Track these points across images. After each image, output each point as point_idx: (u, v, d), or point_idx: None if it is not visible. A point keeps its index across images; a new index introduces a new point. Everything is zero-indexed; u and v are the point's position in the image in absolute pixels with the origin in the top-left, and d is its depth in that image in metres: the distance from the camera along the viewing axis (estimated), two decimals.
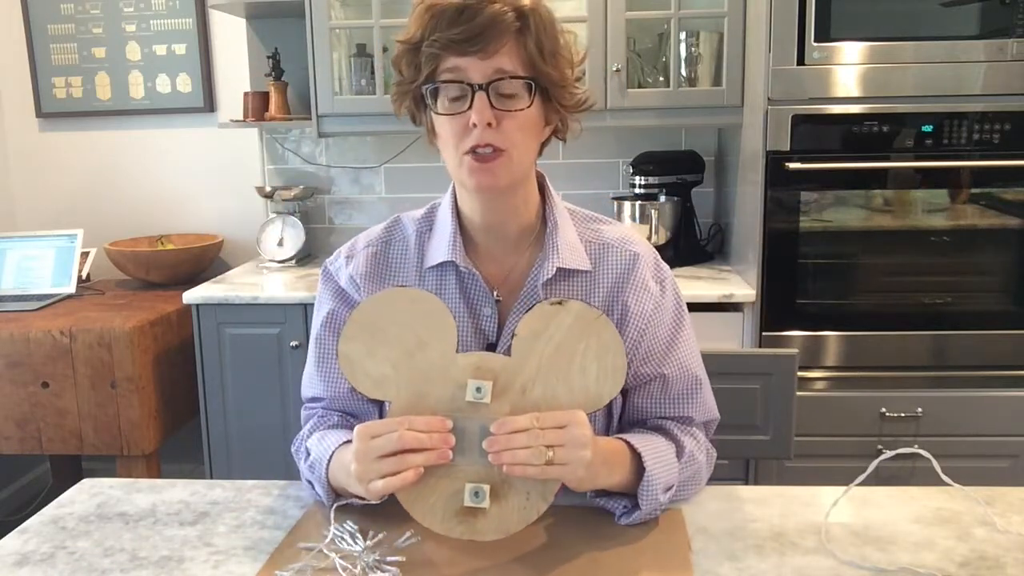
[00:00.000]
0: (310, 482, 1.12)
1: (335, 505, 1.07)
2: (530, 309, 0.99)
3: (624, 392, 1.18)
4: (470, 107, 1.02)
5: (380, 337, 0.99)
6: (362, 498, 1.05)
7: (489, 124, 1.02)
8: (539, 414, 0.95)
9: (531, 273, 1.13)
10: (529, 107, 1.04)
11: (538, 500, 0.96)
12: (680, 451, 1.11)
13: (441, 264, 1.14)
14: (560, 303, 0.98)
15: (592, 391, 0.98)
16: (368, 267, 1.18)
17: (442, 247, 1.14)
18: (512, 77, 1.03)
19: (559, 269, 1.12)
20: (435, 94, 1.05)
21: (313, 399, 1.22)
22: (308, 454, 1.13)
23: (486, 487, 0.95)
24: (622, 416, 1.20)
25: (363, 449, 0.95)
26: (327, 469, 1.08)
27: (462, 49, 1.01)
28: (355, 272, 1.18)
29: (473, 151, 1.04)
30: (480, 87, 1.02)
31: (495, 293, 1.14)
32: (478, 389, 0.96)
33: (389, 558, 0.96)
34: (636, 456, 1.06)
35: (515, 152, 1.05)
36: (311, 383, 1.21)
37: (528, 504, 0.96)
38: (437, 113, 1.06)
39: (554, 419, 0.95)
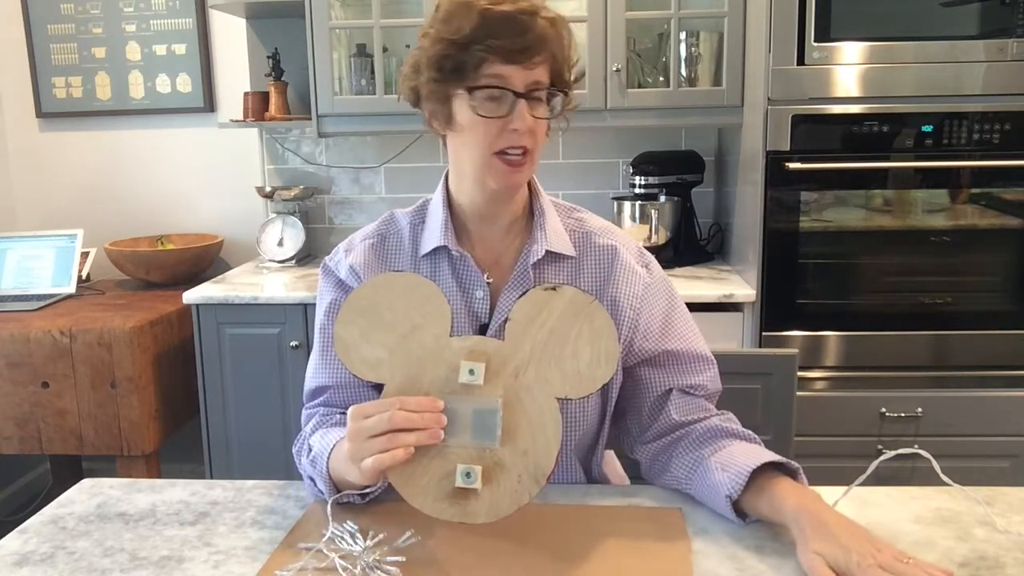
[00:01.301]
0: (312, 479, 1.13)
1: (335, 499, 1.07)
2: (524, 294, 1.01)
3: (631, 370, 1.22)
4: (508, 113, 1.08)
5: (376, 321, 1.00)
6: (362, 490, 1.06)
7: (530, 128, 1.09)
8: None
9: (521, 256, 1.19)
10: (559, 113, 1.12)
11: (530, 483, 0.96)
12: (749, 437, 1.16)
13: (434, 250, 1.20)
14: (554, 288, 1.00)
15: (585, 375, 0.99)
16: (367, 257, 1.22)
17: (435, 234, 1.20)
18: (548, 89, 1.10)
19: (547, 252, 1.18)
20: (473, 95, 1.09)
21: (317, 389, 1.23)
22: (310, 450, 1.14)
23: (478, 468, 0.96)
24: (637, 393, 1.22)
25: (355, 429, 0.97)
26: (328, 461, 1.09)
27: (512, 58, 1.06)
28: (355, 262, 1.22)
29: (504, 153, 1.10)
30: (519, 95, 1.08)
31: (486, 276, 1.19)
32: (471, 371, 0.97)
33: (389, 558, 0.96)
34: (773, 470, 1.06)
35: (536, 153, 1.13)
36: (316, 373, 1.23)
37: (520, 487, 0.96)
38: (479, 115, 1.08)
39: None
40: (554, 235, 1.20)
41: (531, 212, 1.23)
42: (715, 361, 1.24)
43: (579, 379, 0.99)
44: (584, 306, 0.99)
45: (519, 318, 0.99)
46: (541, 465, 0.97)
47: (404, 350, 1.00)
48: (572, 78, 1.15)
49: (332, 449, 1.09)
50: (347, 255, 1.24)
